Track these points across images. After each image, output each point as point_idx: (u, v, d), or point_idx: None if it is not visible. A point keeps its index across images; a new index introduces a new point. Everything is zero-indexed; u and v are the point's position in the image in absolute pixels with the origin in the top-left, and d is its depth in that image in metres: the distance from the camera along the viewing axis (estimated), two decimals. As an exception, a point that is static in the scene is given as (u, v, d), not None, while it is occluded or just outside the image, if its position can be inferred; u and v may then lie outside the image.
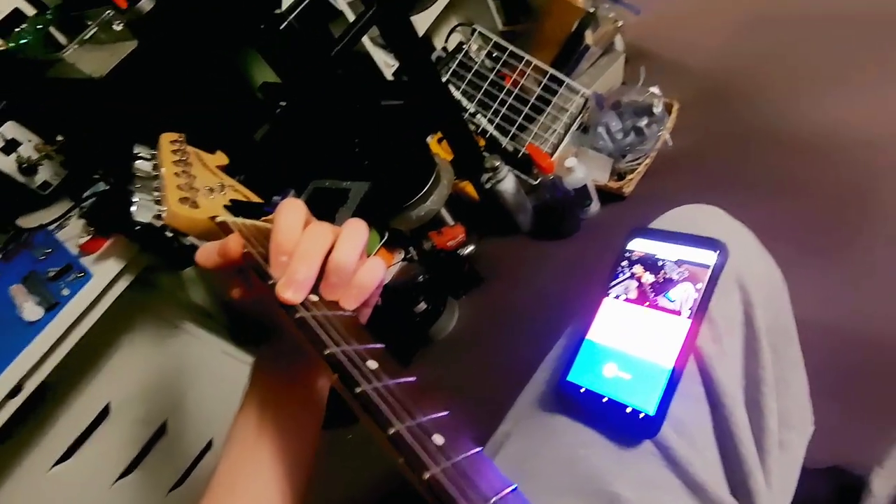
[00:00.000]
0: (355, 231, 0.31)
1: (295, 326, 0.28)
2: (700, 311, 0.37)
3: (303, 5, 0.82)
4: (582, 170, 1.21)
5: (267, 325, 0.36)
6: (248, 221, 0.36)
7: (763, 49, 1.40)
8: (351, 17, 1.00)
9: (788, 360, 0.44)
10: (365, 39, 1.05)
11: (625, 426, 0.36)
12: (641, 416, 0.35)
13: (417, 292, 1.20)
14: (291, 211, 0.31)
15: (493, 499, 0.23)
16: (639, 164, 1.26)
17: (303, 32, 0.81)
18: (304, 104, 0.94)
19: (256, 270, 0.30)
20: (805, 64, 1.30)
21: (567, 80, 1.34)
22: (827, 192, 1.07)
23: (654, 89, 1.28)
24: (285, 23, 0.81)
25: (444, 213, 1.29)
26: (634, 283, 0.41)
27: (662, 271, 0.40)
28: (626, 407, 0.36)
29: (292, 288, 0.28)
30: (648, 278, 0.40)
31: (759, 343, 0.39)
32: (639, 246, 0.43)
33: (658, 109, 1.27)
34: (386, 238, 1.24)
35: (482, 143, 1.37)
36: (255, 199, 0.41)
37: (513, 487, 0.24)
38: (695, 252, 0.40)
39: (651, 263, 0.41)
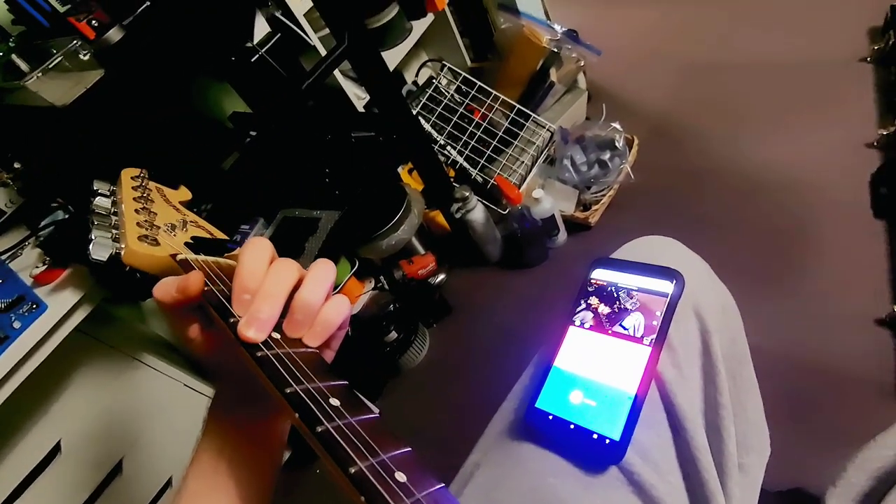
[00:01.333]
0: (323, 270, 0.30)
1: (255, 365, 0.26)
2: (660, 338, 0.38)
3: (274, 39, 0.82)
4: (549, 200, 1.22)
5: (212, 370, 0.34)
6: (211, 259, 0.34)
7: (707, 93, 1.49)
8: (322, 51, 1.00)
9: (744, 385, 0.45)
10: (336, 72, 1.06)
11: (591, 453, 0.36)
12: (607, 441, 0.36)
13: (388, 322, 1.18)
14: (256, 249, 0.30)
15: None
16: (603, 195, 1.29)
17: (273, 65, 0.80)
18: (274, 134, 0.93)
19: (217, 308, 0.29)
20: (745, 108, 1.38)
21: (533, 115, 1.37)
22: (770, 227, 1.12)
23: (616, 125, 1.32)
24: (256, 56, 0.80)
25: (415, 242, 1.28)
26: (590, 314, 0.42)
27: (618, 301, 0.41)
28: (593, 433, 0.36)
29: (254, 326, 0.27)
30: (604, 309, 0.41)
31: (717, 369, 0.40)
32: (601, 276, 0.44)
33: (620, 143, 1.31)
34: (356, 267, 1.23)
35: (452, 173, 1.37)
36: (220, 234, 0.39)
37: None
38: (653, 281, 0.41)
39: (608, 293, 0.42)
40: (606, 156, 1.31)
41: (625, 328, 0.40)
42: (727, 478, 0.39)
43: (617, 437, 0.36)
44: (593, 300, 0.42)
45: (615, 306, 0.41)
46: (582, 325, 0.42)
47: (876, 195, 1.02)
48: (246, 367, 0.27)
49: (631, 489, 0.36)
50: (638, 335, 0.39)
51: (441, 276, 1.29)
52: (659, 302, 0.39)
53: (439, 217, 1.32)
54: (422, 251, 1.29)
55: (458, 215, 1.23)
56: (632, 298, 0.41)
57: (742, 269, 1.07)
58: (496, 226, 1.32)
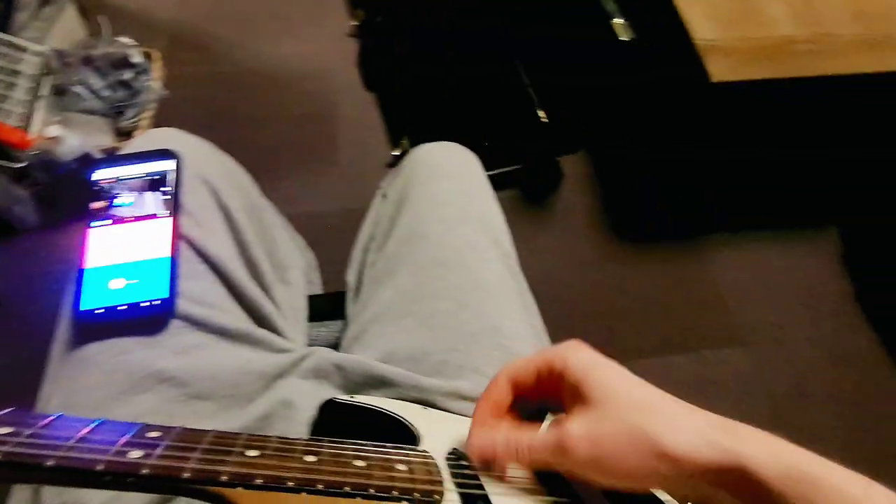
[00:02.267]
0: None
1: None
2: (175, 208, 0.43)
3: None
4: (75, 137, 0.98)
5: None
6: None
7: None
8: None
9: (268, 223, 0.55)
10: None
11: (149, 318, 0.39)
12: (158, 302, 0.39)
13: None
14: None
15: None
16: (140, 118, 1.11)
17: None
18: None
19: None
20: (253, 10, 1.39)
21: (2, 35, 1.00)
22: (304, 113, 1.26)
23: (126, 39, 1.11)
24: None
25: None
26: (106, 211, 0.43)
27: (127, 191, 0.44)
28: (142, 302, 0.39)
29: None
30: (117, 201, 0.44)
31: (235, 218, 0.47)
32: (104, 175, 0.45)
33: (137, 59, 1.12)
34: None
35: None
36: None
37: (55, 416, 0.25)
38: (154, 165, 0.45)
39: (116, 187, 0.45)
40: (128, 75, 1.11)
41: (141, 211, 0.43)
42: (270, 290, 0.49)
43: (165, 294, 0.40)
44: (104, 197, 0.44)
45: (126, 196, 0.44)
46: (101, 224, 0.43)
47: (363, 74, 1.22)
48: None
49: (196, 328, 0.41)
50: (155, 212, 0.43)
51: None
52: (165, 180, 0.44)
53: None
54: None
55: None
56: (140, 184, 0.44)
57: (293, 152, 1.17)
58: (16, 185, 0.98)
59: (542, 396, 0.31)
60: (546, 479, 0.32)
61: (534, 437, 0.29)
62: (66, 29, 1.20)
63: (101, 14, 1.25)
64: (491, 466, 0.31)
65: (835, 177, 1.28)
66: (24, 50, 1.06)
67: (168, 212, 0.43)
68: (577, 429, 0.27)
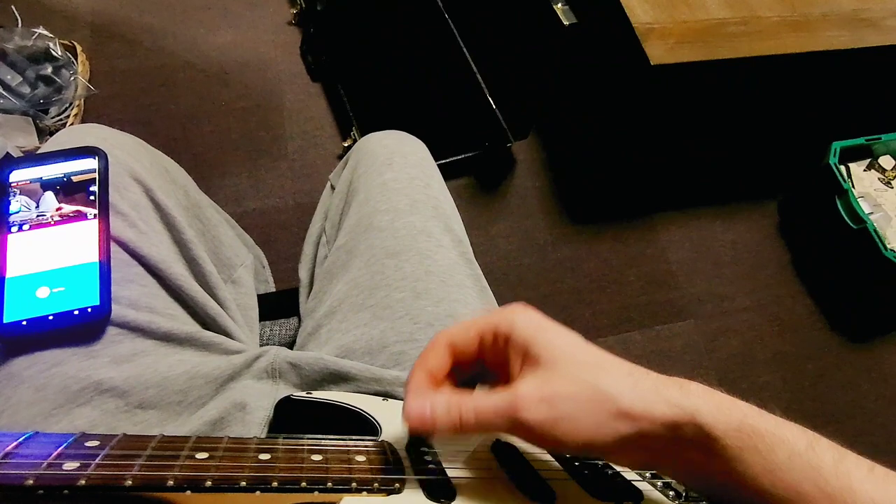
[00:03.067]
0: None
1: None
2: (103, 209, 0.41)
3: None
4: (-8, 138, 0.90)
5: None
6: None
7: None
8: None
9: (211, 222, 0.53)
10: None
11: (82, 326, 0.38)
12: (90, 310, 0.37)
13: None
14: None
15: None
16: (67, 116, 1.04)
17: None
18: None
19: None
20: (180, 1, 1.31)
21: None
22: (245, 106, 1.20)
23: (42, 30, 1.03)
24: None
25: None
26: (24, 215, 0.41)
27: (47, 192, 0.42)
28: (73, 311, 0.37)
29: None
30: (35, 205, 0.41)
31: (172, 216, 0.45)
32: (20, 176, 0.42)
33: (58, 52, 1.04)
34: None
35: None
36: None
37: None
38: (76, 163, 0.42)
39: (35, 189, 0.42)
40: (47, 70, 1.04)
41: (65, 213, 0.41)
42: (216, 290, 0.47)
43: (97, 301, 0.38)
44: (21, 200, 0.41)
45: (46, 198, 0.41)
46: (21, 229, 0.40)
47: (307, 63, 1.18)
48: None
49: (136, 335, 0.39)
50: (81, 214, 0.41)
51: None
52: (88, 179, 0.42)
53: None
54: None
55: None
56: (60, 184, 0.42)
57: (238, 147, 1.12)
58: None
59: (484, 362, 0.30)
60: (506, 461, 0.32)
61: (481, 400, 0.27)
62: (-26, 21, 1.10)
63: (11, 3, 1.16)
64: (430, 436, 0.29)
65: (770, 152, 1.35)
66: (-75, 45, 0.96)
67: (93, 213, 0.40)
68: (531, 390, 0.26)
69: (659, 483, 0.33)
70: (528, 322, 0.28)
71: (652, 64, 0.87)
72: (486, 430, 0.27)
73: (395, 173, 0.52)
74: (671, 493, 0.33)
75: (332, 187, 0.58)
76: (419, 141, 0.58)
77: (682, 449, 0.26)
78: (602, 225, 1.22)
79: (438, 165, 0.57)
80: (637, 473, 0.34)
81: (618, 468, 0.34)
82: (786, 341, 1.18)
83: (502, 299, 0.56)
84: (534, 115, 1.22)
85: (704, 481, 0.27)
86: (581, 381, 0.26)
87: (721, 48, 0.93)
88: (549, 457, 0.34)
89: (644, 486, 0.33)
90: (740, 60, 0.95)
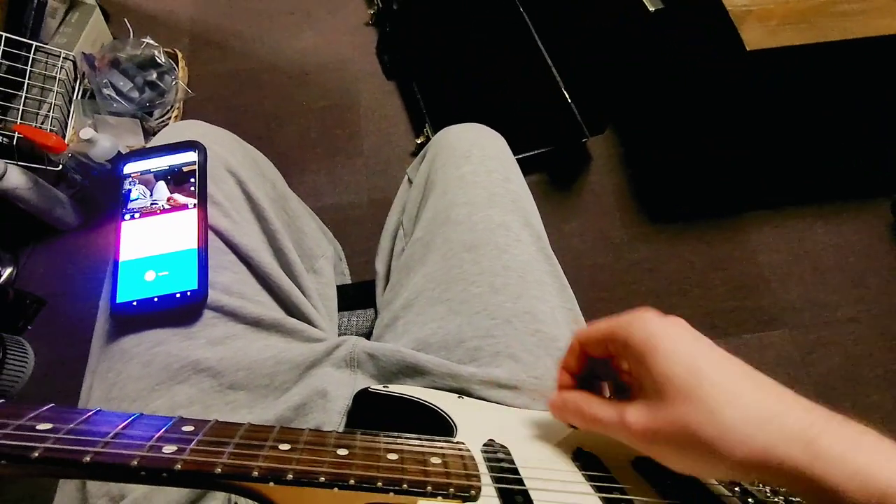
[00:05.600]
0: None
1: None
2: (201, 199, 0.43)
3: None
4: (107, 139, 1.00)
5: None
6: None
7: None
8: None
9: (296, 216, 0.55)
10: None
11: (181, 309, 0.40)
12: (189, 293, 0.39)
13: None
14: None
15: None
16: (168, 118, 1.12)
17: None
18: None
19: None
20: (267, 6, 1.37)
21: (35, 43, 1.03)
22: (324, 105, 1.25)
23: (149, 40, 1.12)
24: None
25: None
26: (137, 204, 0.44)
27: (155, 183, 0.44)
28: (175, 294, 0.39)
29: None
30: (146, 193, 0.44)
31: (261, 206, 0.47)
32: (133, 168, 0.45)
33: (162, 59, 1.13)
34: None
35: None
36: None
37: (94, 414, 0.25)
38: (179, 156, 0.45)
39: (144, 180, 0.45)
40: (153, 76, 1.13)
41: (169, 202, 0.43)
42: (300, 279, 0.49)
43: (195, 285, 0.40)
44: (135, 191, 0.44)
45: (154, 188, 0.44)
46: (133, 217, 0.43)
47: (382, 62, 1.20)
48: None
49: (228, 319, 0.41)
50: (182, 204, 0.43)
51: (6, 272, 0.94)
52: (190, 171, 0.44)
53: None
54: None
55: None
56: (166, 176, 0.44)
57: (316, 145, 1.16)
58: (55, 186, 1.01)
59: (612, 360, 0.32)
60: (589, 467, 0.31)
61: (600, 409, 0.29)
62: (93, 33, 1.22)
63: (125, 17, 1.27)
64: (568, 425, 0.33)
65: (882, 146, 1.20)
66: (56, 56, 1.08)
67: (194, 203, 0.42)
68: (637, 417, 0.27)
69: (737, 489, 0.31)
70: (644, 339, 0.28)
71: (749, 49, 0.80)
72: (602, 433, 0.30)
73: (474, 166, 0.51)
74: (750, 501, 0.30)
75: (410, 181, 0.58)
76: (498, 134, 0.56)
77: (791, 487, 0.24)
78: (684, 225, 1.14)
79: (516, 161, 0.55)
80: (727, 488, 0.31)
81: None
82: (898, 358, 1.04)
83: (578, 299, 0.53)
84: (611, 109, 1.16)
85: None
86: (683, 423, 0.25)
87: (830, 29, 0.83)
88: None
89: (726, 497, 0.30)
90: (849, 42, 0.84)
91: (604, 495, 0.29)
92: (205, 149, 0.44)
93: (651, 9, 0.84)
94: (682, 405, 0.25)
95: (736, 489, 0.31)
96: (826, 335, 1.05)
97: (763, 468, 0.23)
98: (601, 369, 0.33)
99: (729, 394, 0.25)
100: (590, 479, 0.30)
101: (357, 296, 0.57)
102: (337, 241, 0.78)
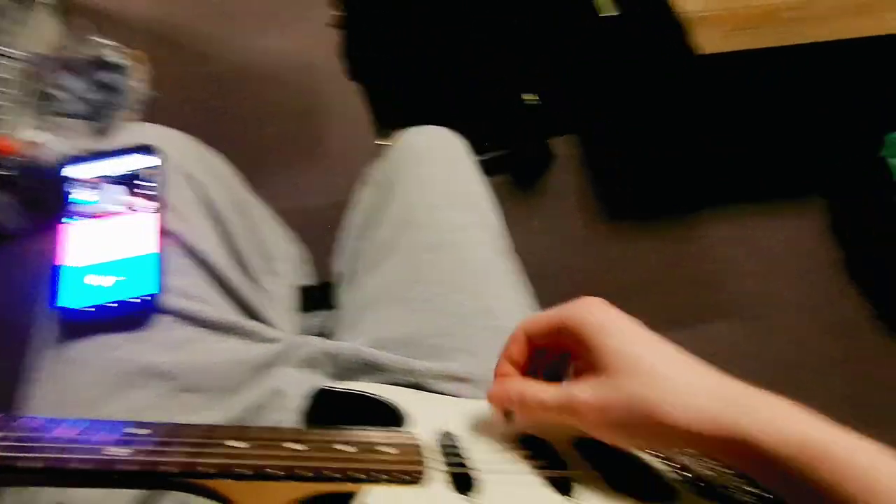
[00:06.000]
0: None
1: None
2: (157, 203, 0.43)
3: None
4: (59, 141, 0.97)
5: None
6: None
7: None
8: None
9: (255, 219, 0.55)
10: None
11: (138, 314, 0.40)
12: (144, 298, 0.40)
13: None
14: None
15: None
16: (124, 120, 1.09)
17: None
18: None
19: None
20: (232, 7, 1.36)
21: (-19, 41, 0.99)
22: (296, 108, 1.23)
23: (106, 40, 1.09)
24: None
25: None
26: (85, 208, 0.43)
27: (107, 187, 0.44)
28: (130, 298, 0.39)
29: None
30: (96, 197, 0.44)
31: (219, 211, 0.47)
32: (84, 171, 0.45)
33: (120, 60, 1.11)
34: None
35: None
36: None
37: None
38: (134, 159, 0.44)
39: (94, 183, 0.44)
40: (109, 77, 1.09)
41: (123, 206, 0.43)
42: (259, 281, 0.49)
43: (155, 290, 0.40)
44: (85, 194, 0.43)
45: (106, 191, 0.43)
46: (83, 220, 0.43)
47: (346, 64, 1.20)
48: None
49: (185, 322, 0.41)
50: (137, 207, 0.43)
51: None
52: (145, 175, 0.44)
53: None
54: None
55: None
56: (121, 179, 0.44)
57: (281, 147, 1.16)
58: (2, 189, 0.97)
59: (558, 349, 0.33)
60: (535, 450, 0.32)
61: (544, 392, 0.30)
62: (46, 32, 1.18)
63: (81, 16, 1.23)
64: (509, 416, 0.33)
65: (820, 147, 1.27)
66: (4, 56, 1.04)
67: (152, 207, 0.42)
68: (585, 395, 0.28)
69: (688, 474, 0.32)
70: (592, 324, 0.29)
71: (704, 53, 0.84)
72: (549, 420, 0.31)
73: (433, 168, 0.52)
74: (701, 483, 0.32)
75: (370, 182, 0.59)
76: (456, 135, 0.58)
77: (732, 459, 0.26)
78: (643, 223, 1.18)
79: (475, 162, 0.57)
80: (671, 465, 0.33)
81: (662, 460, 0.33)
82: (836, 343, 1.10)
83: (541, 297, 0.55)
84: (572, 111, 1.19)
85: (780, 489, 0.26)
86: (631, 393, 0.27)
87: (777, 35, 0.88)
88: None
89: (675, 485, 0.32)
90: (792, 48, 0.90)
91: (549, 474, 0.31)
92: (160, 152, 0.44)
93: (605, 14, 0.88)
94: (635, 378, 0.27)
95: (676, 465, 0.33)
96: (775, 326, 1.10)
97: (704, 433, 0.25)
98: (538, 362, 0.34)
99: (674, 366, 0.28)
100: (535, 461, 0.32)
101: (318, 297, 0.57)
102: (300, 244, 0.78)
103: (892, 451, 0.24)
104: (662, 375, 0.27)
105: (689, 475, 0.32)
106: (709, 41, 0.84)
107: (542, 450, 0.33)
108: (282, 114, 1.20)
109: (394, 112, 1.11)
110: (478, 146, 0.58)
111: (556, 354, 0.33)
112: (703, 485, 0.32)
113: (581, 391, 0.28)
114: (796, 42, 0.88)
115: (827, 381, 1.07)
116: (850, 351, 1.10)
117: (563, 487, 0.30)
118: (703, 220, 1.19)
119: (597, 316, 0.30)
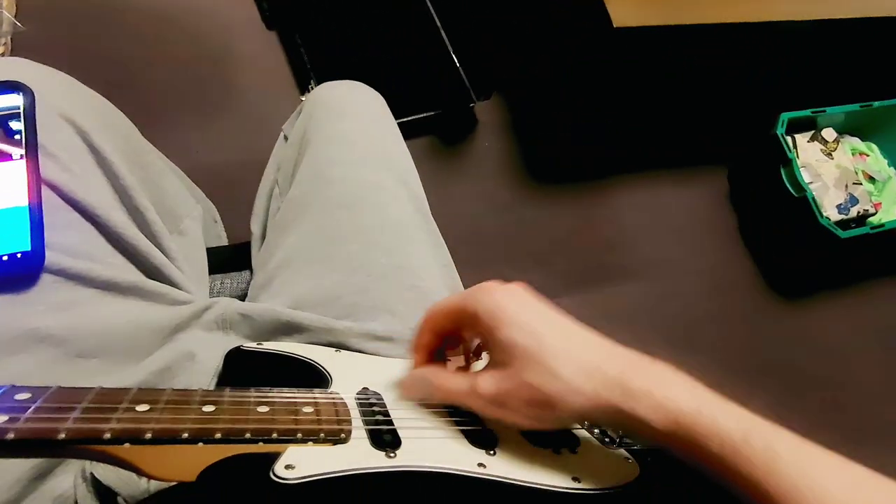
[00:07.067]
0: None
1: None
2: (30, 150, 0.38)
3: None
4: None
5: None
6: None
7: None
8: None
9: (154, 169, 0.50)
10: None
11: (13, 274, 0.36)
12: (20, 255, 0.36)
13: None
14: None
15: None
16: (-8, 55, 0.95)
17: None
18: None
19: None
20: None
21: None
22: (195, 55, 1.14)
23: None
24: None
25: None
26: None
27: None
28: (2, 256, 0.35)
29: None
30: None
31: (110, 161, 0.42)
32: None
33: (-22, -16, 0.94)
34: None
35: None
36: None
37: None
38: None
39: None
40: (-33, 2, 0.93)
41: None
42: (161, 239, 0.45)
43: (28, 247, 0.36)
44: None
45: None
46: None
47: (261, 9, 1.12)
48: None
49: (74, 283, 0.38)
50: (5, 154, 0.38)
51: None
52: (12, 116, 0.39)
53: None
54: None
55: None
56: None
57: (185, 98, 1.07)
58: None
59: (465, 333, 0.35)
60: (455, 411, 0.34)
61: (449, 382, 0.32)
62: None
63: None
64: (420, 403, 0.34)
65: (724, 120, 1.39)
66: None
67: (20, 153, 0.37)
68: (489, 385, 0.30)
69: (596, 430, 0.36)
70: (487, 311, 0.31)
71: (615, 26, 0.87)
72: (454, 404, 0.33)
73: (350, 124, 0.51)
74: (606, 439, 0.35)
75: (286, 138, 0.56)
76: (375, 92, 0.56)
77: (636, 436, 0.30)
78: (561, 187, 1.24)
79: (399, 123, 0.56)
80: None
81: None
82: (727, 303, 1.25)
83: (460, 260, 0.56)
84: (497, 75, 1.20)
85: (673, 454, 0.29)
86: (525, 384, 0.29)
87: (684, 13, 0.93)
88: None
89: (582, 434, 0.35)
90: (700, 27, 0.96)
91: (467, 428, 0.32)
92: (31, 91, 0.39)
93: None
94: (527, 367, 0.29)
95: (595, 430, 0.36)
96: (672, 287, 1.22)
97: (594, 412, 0.29)
98: (450, 344, 0.36)
99: (562, 351, 0.30)
100: (455, 417, 0.33)
101: (232, 258, 0.55)
102: (210, 202, 0.73)
103: (744, 408, 0.28)
104: (552, 363, 0.29)
105: (597, 429, 0.36)
106: (620, 15, 0.88)
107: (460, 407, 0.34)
108: (187, 61, 1.09)
109: (316, 65, 1.05)
110: (403, 107, 0.57)
111: (461, 335, 0.36)
112: (607, 440, 0.35)
113: (484, 381, 0.30)
114: (703, 21, 0.95)
115: (716, 335, 1.21)
116: (736, 308, 1.25)
117: (483, 442, 0.32)
118: (615, 184, 1.27)
119: (489, 306, 0.31)
